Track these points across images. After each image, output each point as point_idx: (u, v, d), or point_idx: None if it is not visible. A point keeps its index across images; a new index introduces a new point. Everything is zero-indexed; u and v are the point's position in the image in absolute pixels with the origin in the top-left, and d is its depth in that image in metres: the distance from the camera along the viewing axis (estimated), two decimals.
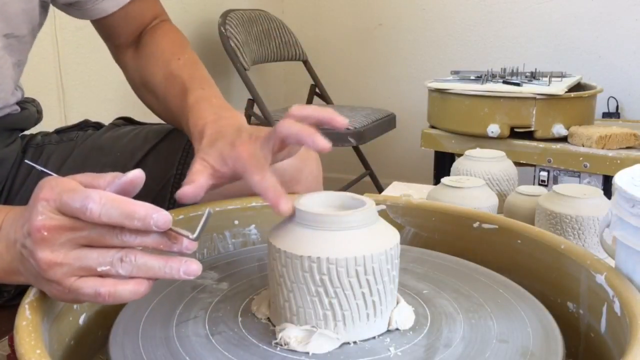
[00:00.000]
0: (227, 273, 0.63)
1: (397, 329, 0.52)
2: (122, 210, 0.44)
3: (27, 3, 0.75)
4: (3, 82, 0.78)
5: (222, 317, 0.54)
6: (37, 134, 0.93)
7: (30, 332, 0.45)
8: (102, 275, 0.46)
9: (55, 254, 0.45)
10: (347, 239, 0.50)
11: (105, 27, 0.85)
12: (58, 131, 0.92)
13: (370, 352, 0.49)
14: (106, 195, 0.44)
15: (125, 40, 0.86)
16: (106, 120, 0.98)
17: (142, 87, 0.84)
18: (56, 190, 0.46)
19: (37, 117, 0.90)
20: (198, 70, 0.78)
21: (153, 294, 0.59)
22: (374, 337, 0.51)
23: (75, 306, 0.57)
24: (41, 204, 0.45)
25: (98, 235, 0.45)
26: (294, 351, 0.49)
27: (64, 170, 0.86)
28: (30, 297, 0.50)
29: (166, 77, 0.78)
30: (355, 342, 0.50)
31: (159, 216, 0.44)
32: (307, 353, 0.49)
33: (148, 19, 0.86)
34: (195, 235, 0.46)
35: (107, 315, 0.58)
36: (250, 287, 0.60)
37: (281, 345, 0.50)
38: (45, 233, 0.45)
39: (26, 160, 0.55)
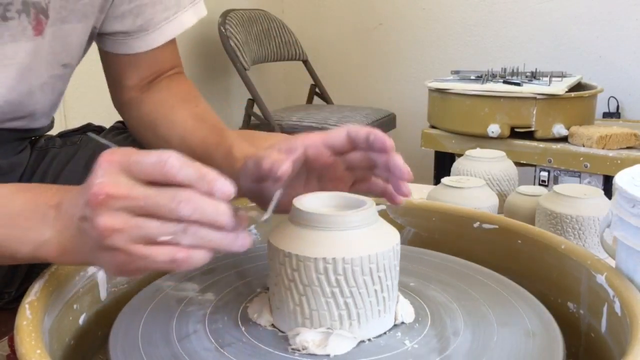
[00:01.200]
0: (208, 283, 0.61)
1: (402, 323, 0.53)
2: (196, 170, 0.44)
3: (85, 35, 0.77)
4: (51, 110, 0.82)
5: (223, 328, 0.53)
6: (40, 137, 0.93)
7: (30, 332, 0.45)
8: (160, 244, 0.45)
9: (114, 219, 0.44)
10: (354, 238, 0.49)
11: (125, 64, 0.84)
12: (61, 135, 0.92)
13: (388, 347, 0.49)
14: (181, 155, 0.45)
15: (139, 82, 0.85)
16: (106, 122, 0.98)
17: (150, 124, 0.83)
18: (119, 152, 0.45)
19: (49, 125, 0.90)
20: (217, 117, 0.79)
21: (153, 293, 0.59)
22: (385, 333, 0.51)
23: (75, 306, 0.57)
24: (102, 166, 0.45)
25: (153, 207, 0.44)
26: (313, 355, 0.48)
27: (65, 173, 0.86)
28: (30, 297, 0.50)
29: (191, 117, 0.78)
30: (369, 340, 0.51)
31: (222, 184, 0.45)
32: (328, 355, 0.48)
33: (167, 67, 0.86)
34: (266, 217, 0.47)
35: (107, 316, 0.58)
36: (238, 296, 0.58)
37: (299, 350, 0.49)
38: (102, 197, 0.43)
39: (89, 134, 0.54)
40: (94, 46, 0.85)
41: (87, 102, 1.63)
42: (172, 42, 0.85)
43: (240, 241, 0.46)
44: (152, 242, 0.44)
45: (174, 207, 0.44)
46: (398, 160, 0.54)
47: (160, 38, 0.82)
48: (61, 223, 0.49)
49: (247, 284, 0.60)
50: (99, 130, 0.95)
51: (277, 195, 0.49)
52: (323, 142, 0.55)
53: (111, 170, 0.45)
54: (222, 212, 0.45)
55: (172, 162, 0.44)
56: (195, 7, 0.86)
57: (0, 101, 0.74)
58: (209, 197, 0.44)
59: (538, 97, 1.70)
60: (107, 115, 1.06)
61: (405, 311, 0.54)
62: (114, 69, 0.85)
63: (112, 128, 0.94)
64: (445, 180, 1.06)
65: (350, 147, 0.55)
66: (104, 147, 0.87)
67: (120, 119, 0.92)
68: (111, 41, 0.82)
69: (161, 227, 0.44)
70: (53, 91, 0.80)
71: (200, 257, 0.45)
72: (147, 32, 0.81)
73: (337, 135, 0.55)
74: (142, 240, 0.44)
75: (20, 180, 0.85)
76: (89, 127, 0.95)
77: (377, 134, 0.54)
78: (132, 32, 0.80)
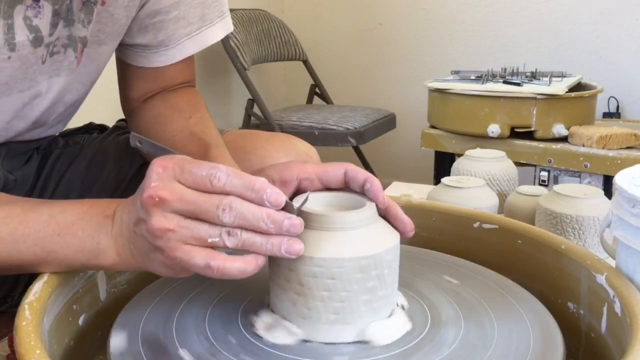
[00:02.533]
0: (208, 283, 0.61)
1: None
2: (244, 181, 0.47)
3: (113, 50, 0.77)
4: (69, 118, 0.83)
5: (224, 328, 0.53)
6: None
7: (29, 332, 0.45)
8: (210, 247, 0.47)
9: (167, 220, 0.47)
10: (354, 238, 0.49)
11: (134, 74, 0.83)
12: (63, 135, 0.92)
13: (386, 347, 0.49)
14: (230, 167, 0.47)
15: (143, 94, 0.84)
16: (106, 120, 0.98)
17: (148, 127, 0.82)
18: (173, 160, 0.48)
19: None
20: (210, 129, 0.77)
21: (152, 293, 0.59)
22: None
23: (74, 306, 0.57)
24: (156, 171, 0.47)
25: (201, 212, 0.47)
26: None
27: (69, 173, 0.86)
28: (29, 297, 0.50)
29: (180, 131, 0.76)
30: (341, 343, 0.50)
31: (271, 191, 0.47)
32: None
33: (175, 83, 0.84)
34: (295, 208, 0.48)
35: (106, 316, 0.58)
36: (239, 295, 0.58)
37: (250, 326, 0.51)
38: (157, 199, 0.46)
39: (133, 133, 0.55)
40: None
41: (87, 101, 1.63)
42: (188, 58, 0.82)
43: (285, 247, 0.47)
44: (202, 243, 0.47)
45: (219, 214, 0.46)
46: (401, 215, 0.54)
47: (179, 55, 0.80)
48: (117, 231, 0.52)
49: (250, 282, 0.60)
50: (101, 129, 0.94)
51: (305, 197, 0.50)
52: (319, 177, 0.54)
53: (164, 176, 0.47)
54: (261, 218, 0.47)
55: (220, 175, 0.47)
56: (223, 21, 0.82)
57: (30, 125, 0.76)
58: (258, 204, 0.47)
59: (538, 97, 1.70)
60: (108, 115, 1.06)
61: (385, 330, 0.52)
62: (123, 75, 0.85)
63: (115, 127, 0.94)
64: (445, 180, 1.06)
65: (345, 185, 0.55)
66: (105, 148, 0.88)
67: (122, 117, 0.92)
68: (131, 52, 0.80)
69: (209, 230, 0.47)
70: (76, 103, 0.81)
71: (236, 268, 0.47)
72: (166, 48, 0.79)
73: (334, 173, 0.54)
74: (192, 241, 0.47)
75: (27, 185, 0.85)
76: (90, 126, 0.95)
77: (374, 183, 0.53)
78: (151, 47, 0.79)
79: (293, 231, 0.47)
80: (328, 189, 0.55)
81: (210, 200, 0.47)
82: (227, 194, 0.47)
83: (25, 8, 0.62)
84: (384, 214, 0.54)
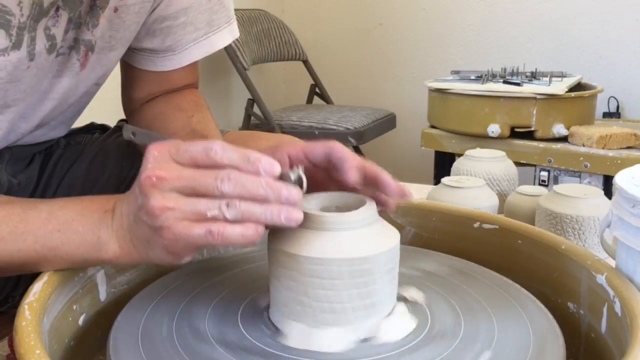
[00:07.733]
0: (208, 283, 0.61)
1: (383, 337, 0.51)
2: (240, 153, 0.47)
3: (122, 54, 0.77)
4: (73, 120, 0.83)
5: (225, 327, 0.53)
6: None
7: (29, 332, 0.45)
8: (208, 220, 0.47)
9: (166, 199, 0.47)
10: (354, 238, 0.49)
11: (138, 77, 0.83)
12: (65, 135, 0.92)
13: (391, 344, 0.50)
14: (225, 142, 0.48)
15: (146, 96, 0.84)
16: (108, 120, 0.98)
17: (149, 125, 0.83)
18: (169, 143, 0.49)
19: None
20: (212, 129, 0.77)
21: (152, 294, 0.59)
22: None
23: (74, 307, 0.57)
24: (152, 154, 0.48)
25: (200, 186, 0.47)
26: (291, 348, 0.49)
27: (70, 173, 0.86)
28: (29, 297, 0.50)
29: (182, 128, 0.76)
30: (370, 338, 0.50)
31: (266, 161, 0.47)
32: (309, 351, 0.49)
33: (178, 86, 0.84)
34: (292, 179, 0.49)
35: (106, 316, 0.58)
36: (239, 295, 0.59)
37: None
38: (155, 179, 0.47)
39: (126, 125, 0.56)
40: None
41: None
42: (193, 62, 0.82)
43: (285, 214, 0.47)
44: (201, 218, 0.47)
45: (218, 184, 0.47)
46: (386, 179, 0.54)
47: (185, 60, 0.80)
48: (117, 223, 0.52)
49: (249, 282, 0.60)
50: (102, 129, 0.94)
51: (299, 170, 0.51)
52: (305, 153, 0.55)
53: (161, 157, 0.48)
54: (260, 185, 0.47)
55: (216, 148, 0.47)
56: (230, 27, 0.82)
57: (34, 127, 0.75)
58: (254, 175, 0.47)
59: (538, 97, 1.70)
60: (109, 115, 1.06)
61: (393, 327, 0.52)
62: (127, 77, 0.85)
63: (117, 128, 0.94)
64: (445, 180, 1.06)
65: (327, 160, 0.55)
66: (107, 149, 0.88)
67: (124, 117, 0.92)
68: (137, 55, 0.81)
69: (208, 203, 0.47)
70: (79, 105, 0.81)
71: (237, 232, 0.47)
72: (173, 53, 0.79)
73: (316, 149, 0.55)
74: (191, 216, 0.47)
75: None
76: (92, 126, 0.95)
77: (349, 160, 0.53)
78: (158, 51, 0.79)
79: (291, 200, 0.47)
80: (315, 166, 0.56)
81: (208, 173, 0.47)
82: (224, 165, 0.47)
83: (47, 19, 0.63)
84: (370, 183, 0.54)
